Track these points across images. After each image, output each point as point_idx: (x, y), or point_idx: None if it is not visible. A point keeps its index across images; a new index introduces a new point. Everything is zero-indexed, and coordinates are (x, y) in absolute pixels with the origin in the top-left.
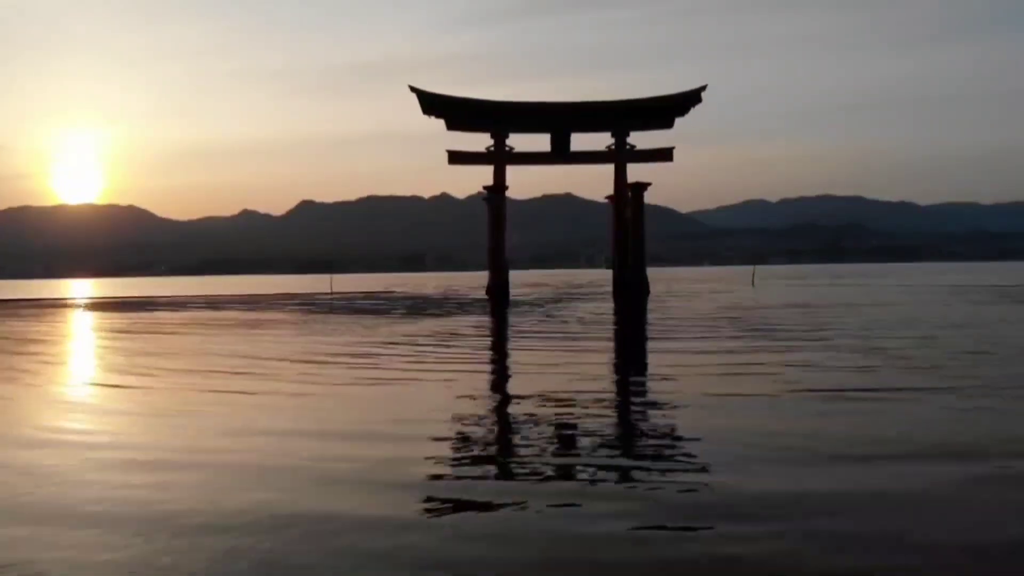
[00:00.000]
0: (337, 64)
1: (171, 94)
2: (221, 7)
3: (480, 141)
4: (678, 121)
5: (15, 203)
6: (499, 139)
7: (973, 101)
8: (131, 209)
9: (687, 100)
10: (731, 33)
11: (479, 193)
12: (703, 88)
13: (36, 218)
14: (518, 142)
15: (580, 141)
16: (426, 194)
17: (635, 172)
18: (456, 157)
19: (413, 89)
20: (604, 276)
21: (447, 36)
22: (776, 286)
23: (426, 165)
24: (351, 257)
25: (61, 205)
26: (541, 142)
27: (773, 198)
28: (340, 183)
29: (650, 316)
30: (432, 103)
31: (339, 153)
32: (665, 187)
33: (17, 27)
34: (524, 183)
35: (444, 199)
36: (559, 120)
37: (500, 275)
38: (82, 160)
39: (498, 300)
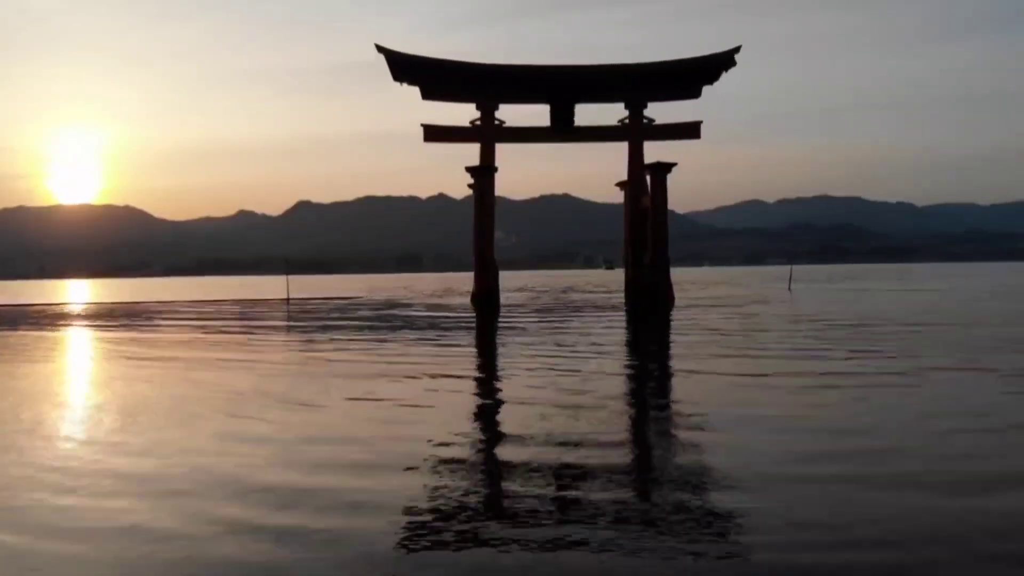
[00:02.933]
0: (335, 64)
1: (168, 94)
2: (218, 7)
3: (464, 114)
4: (706, 90)
5: (11, 203)
6: (487, 111)
7: (971, 102)
8: (127, 209)
9: (718, 63)
10: (727, 34)
11: None
12: (737, 49)
13: (32, 218)
14: (511, 115)
15: (586, 115)
16: (423, 194)
17: (653, 152)
18: (433, 133)
19: (380, 49)
20: (606, 278)
21: (446, 36)
22: (814, 291)
23: (423, 165)
24: (348, 257)
25: (57, 205)
26: (538, 115)
27: (771, 199)
28: (338, 183)
29: (723, 353)
30: (405, 67)
31: (337, 153)
32: None
33: (13, 27)
34: (521, 183)
35: (441, 199)
36: (561, 88)
37: (488, 278)
38: (78, 160)
39: (485, 311)
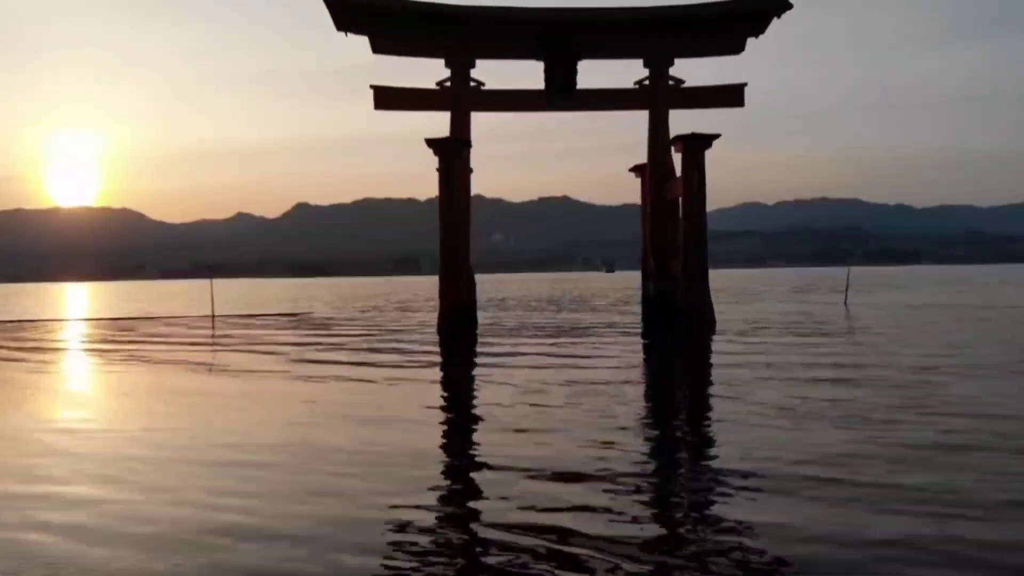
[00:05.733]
0: (333, 66)
1: (166, 96)
2: (216, 9)
3: (429, 72)
4: (751, 44)
5: (8, 206)
6: (460, 68)
7: (969, 104)
8: (125, 212)
9: (769, 7)
10: None
11: (475, 196)
12: None
13: (29, 221)
14: (492, 75)
15: (592, 75)
16: (422, 197)
17: (681, 123)
18: (387, 97)
19: None
20: (608, 284)
21: None
22: (877, 306)
23: (422, 167)
24: (346, 260)
25: (55, 208)
26: (529, 75)
27: (770, 201)
28: (336, 185)
29: None
30: (350, 9)
31: (335, 155)
32: None
33: (11, 29)
34: (519, 185)
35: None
36: (559, 40)
37: (459, 292)
38: (76, 163)
39: (455, 344)
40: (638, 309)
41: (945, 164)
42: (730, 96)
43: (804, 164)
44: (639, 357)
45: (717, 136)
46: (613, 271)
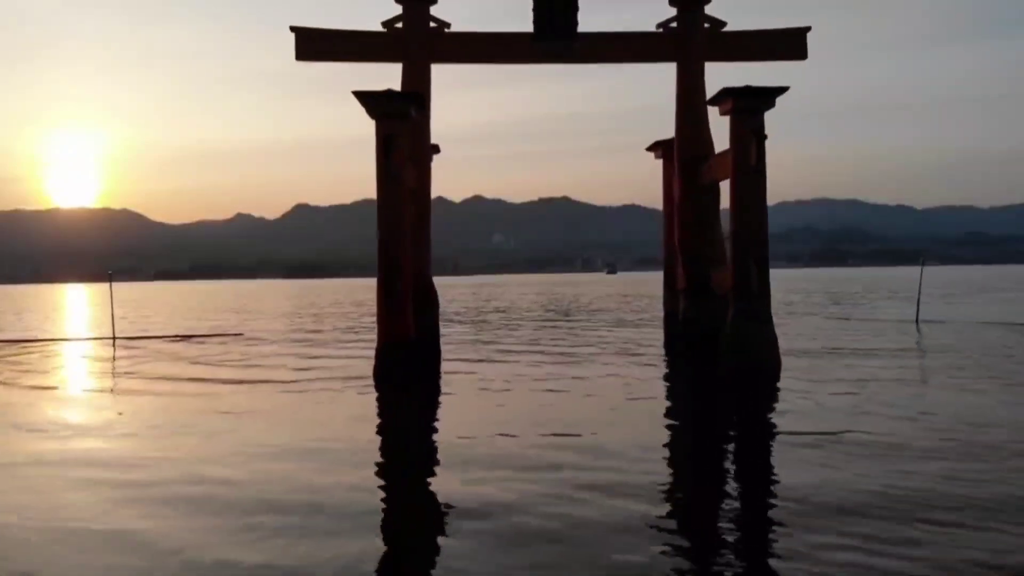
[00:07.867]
0: (332, 66)
1: (166, 97)
2: (217, 8)
3: (373, 9)
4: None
5: (8, 206)
6: (414, 2)
7: (969, 104)
8: (124, 212)
9: None
10: None
11: (475, 197)
12: None
13: (29, 222)
14: (460, 12)
15: (599, 15)
16: None
17: (720, 77)
18: (314, 43)
19: None
20: (609, 287)
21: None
22: (959, 322)
23: None
24: (346, 260)
25: (54, 208)
26: (514, 13)
27: (770, 201)
28: (335, 186)
29: None
30: None
31: (335, 156)
32: (653, 188)
33: (11, 30)
34: (519, 185)
35: (438, 202)
36: None
37: (404, 322)
38: (76, 163)
39: (393, 404)
40: (655, 337)
41: (946, 164)
42: (788, 44)
43: (804, 164)
44: (663, 490)
45: (784, 89)
46: (615, 272)
